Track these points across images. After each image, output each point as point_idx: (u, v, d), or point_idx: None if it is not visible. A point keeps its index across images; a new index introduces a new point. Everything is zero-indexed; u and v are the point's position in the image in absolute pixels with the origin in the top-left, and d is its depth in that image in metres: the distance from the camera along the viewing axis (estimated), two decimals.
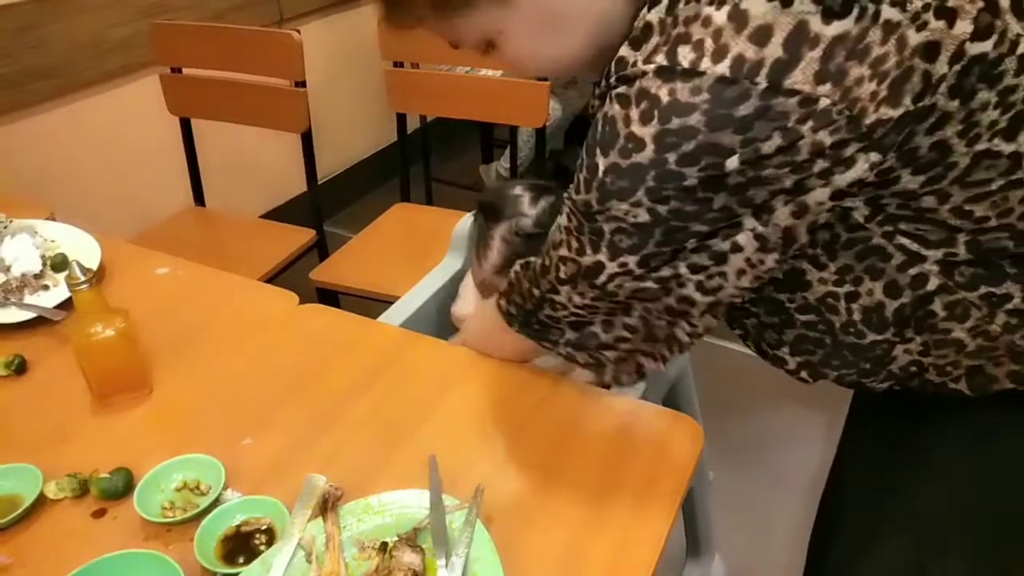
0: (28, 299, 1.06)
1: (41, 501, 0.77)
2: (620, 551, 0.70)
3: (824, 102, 0.51)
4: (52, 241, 1.16)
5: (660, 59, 0.54)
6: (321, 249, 1.95)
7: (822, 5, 0.50)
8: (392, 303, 1.12)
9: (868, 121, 0.51)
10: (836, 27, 0.50)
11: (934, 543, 0.75)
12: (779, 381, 0.80)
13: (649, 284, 0.64)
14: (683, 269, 0.62)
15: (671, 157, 0.54)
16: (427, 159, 2.71)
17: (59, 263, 1.11)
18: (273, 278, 1.79)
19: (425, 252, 1.15)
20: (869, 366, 0.68)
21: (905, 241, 0.60)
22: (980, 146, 0.54)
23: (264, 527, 0.72)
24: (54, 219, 1.25)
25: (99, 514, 0.76)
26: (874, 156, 0.53)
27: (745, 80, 0.51)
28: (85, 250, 1.13)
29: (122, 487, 0.77)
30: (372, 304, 1.61)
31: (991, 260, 0.60)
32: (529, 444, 0.82)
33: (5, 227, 1.16)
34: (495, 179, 3.04)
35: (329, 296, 1.80)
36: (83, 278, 0.85)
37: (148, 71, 2.06)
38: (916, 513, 0.76)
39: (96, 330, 0.88)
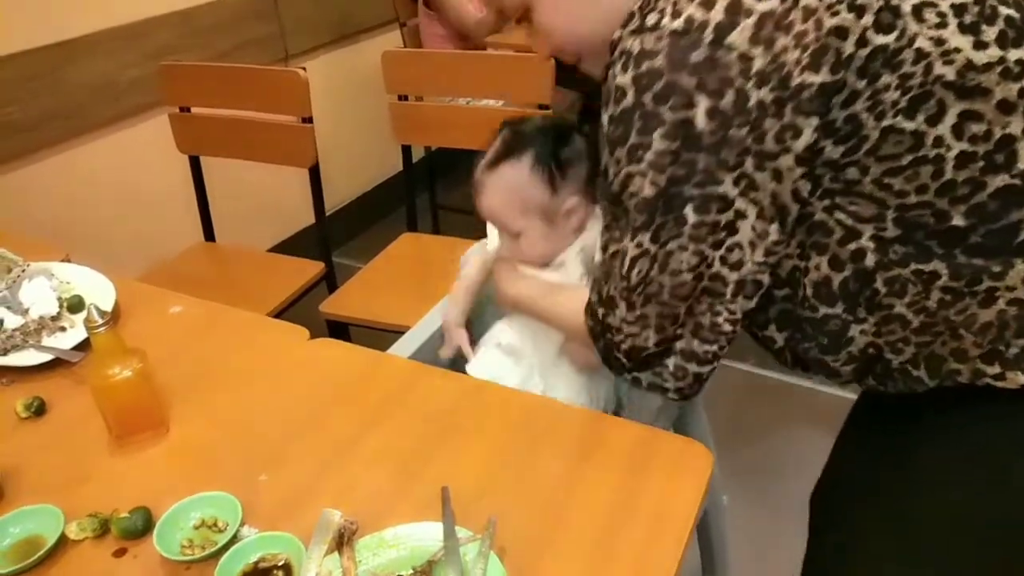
0: (46, 341, 1.08)
1: (63, 542, 0.78)
2: None
3: (758, 62, 0.61)
4: (68, 283, 1.19)
5: (633, 25, 0.67)
6: (330, 281, 1.98)
7: None
8: (402, 333, 1.13)
9: (794, 83, 0.61)
10: (765, 4, 0.62)
11: (919, 548, 0.78)
12: (790, 403, 0.82)
13: (673, 264, 0.69)
14: (706, 249, 0.68)
15: (647, 97, 0.65)
16: (432, 188, 2.74)
17: (75, 305, 1.14)
18: (283, 311, 1.81)
19: (432, 281, 1.18)
20: (827, 341, 0.74)
21: (842, 216, 0.68)
22: (886, 122, 0.63)
23: (281, 563, 0.73)
24: (69, 261, 1.27)
25: (120, 553, 0.77)
26: (814, 121, 0.62)
27: (695, 32, 0.62)
28: (100, 291, 1.16)
29: (142, 526, 0.78)
30: (382, 335, 1.63)
31: (918, 239, 0.67)
32: (541, 473, 0.83)
33: (23, 271, 1.18)
34: None
35: (339, 328, 1.82)
36: (100, 320, 0.87)
37: (157, 111, 2.10)
38: (901, 518, 0.79)
39: (114, 371, 0.89)
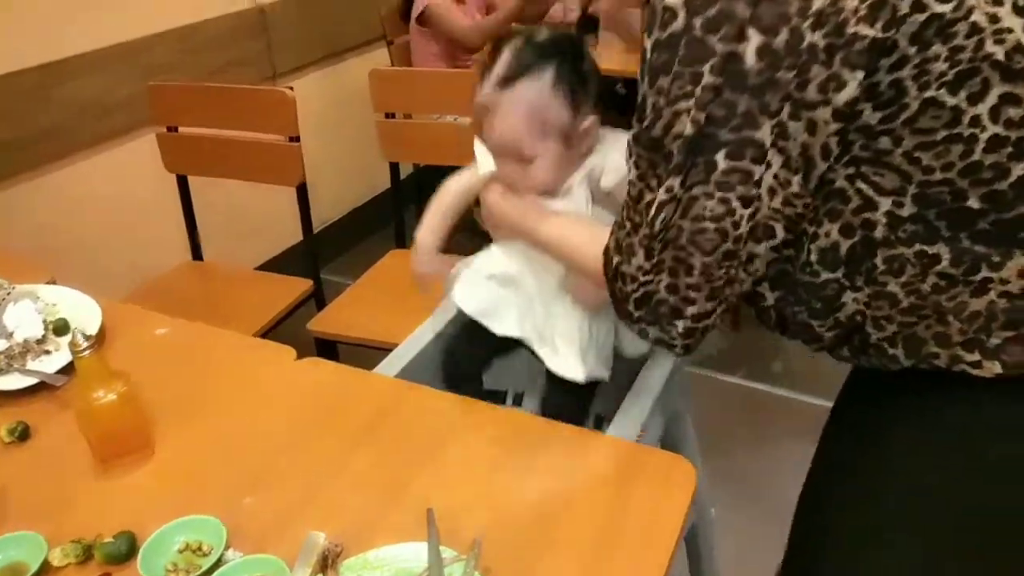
0: (30, 364, 1.08)
1: (46, 569, 0.78)
2: None
3: (817, 2, 0.59)
4: (53, 305, 1.19)
5: None
6: (318, 298, 1.98)
7: None
8: (390, 350, 1.13)
9: (849, 31, 0.59)
10: None
11: (895, 529, 0.78)
12: (779, 415, 0.82)
13: (696, 210, 0.67)
14: (732, 198, 0.66)
15: (697, 22, 0.62)
16: (420, 204, 2.74)
17: (61, 327, 1.14)
18: (272, 329, 1.81)
19: (420, 298, 1.18)
20: (820, 305, 0.73)
21: (863, 186, 0.67)
22: (928, 93, 0.62)
23: None
24: (55, 283, 1.27)
25: None
26: (859, 75, 0.60)
27: None
28: (86, 313, 1.16)
29: (126, 551, 0.78)
30: (370, 352, 1.63)
31: (929, 218, 0.66)
32: (526, 491, 0.83)
33: (8, 293, 1.18)
34: None
35: (327, 346, 1.82)
36: (85, 344, 0.87)
37: (145, 130, 2.11)
38: (876, 497, 0.79)
39: (98, 395, 0.89)
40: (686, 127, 0.65)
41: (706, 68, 0.62)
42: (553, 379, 1.01)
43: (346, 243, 2.95)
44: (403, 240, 2.20)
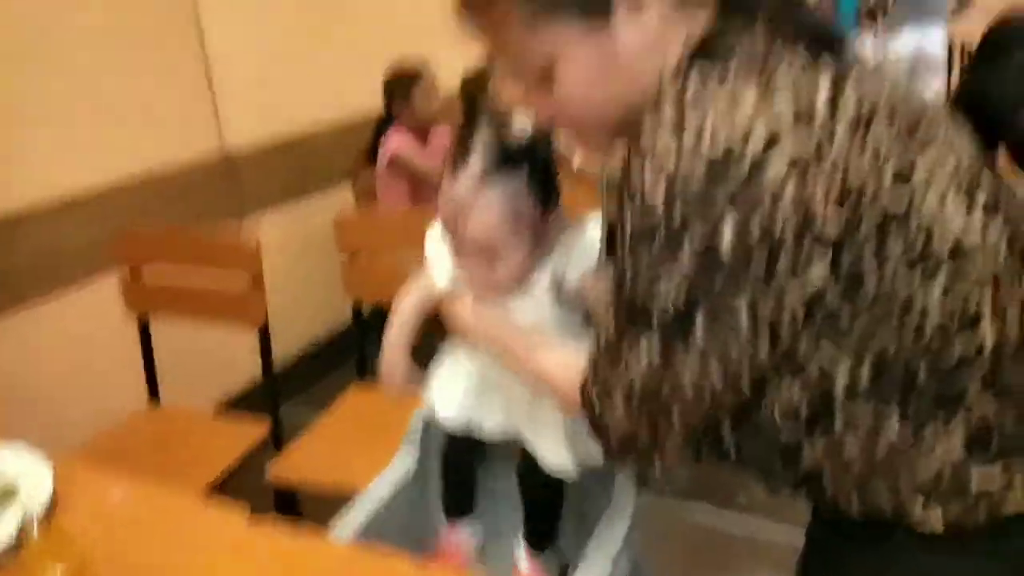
0: None
1: None
2: None
3: (788, 196, 0.64)
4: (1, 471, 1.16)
5: (669, 127, 0.67)
6: (277, 440, 1.95)
7: (795, 110, 0.65)
8: (352, 496, 1.12)
9: (817, 222, 0.64)
10: (802, 133, 0.65)
11: None
12: (743, 548, 0.84)
13: (678, 367, 0.71)
14: (710, 360, 0.70)
15: (677, 208, 0.66)
16: (382, 334, 2.76)
17: (8, 493, 1.11)
18: (231, 477, 1.78)
19: (382, 436, 1.17)
20: (777, 452, 0.78)
21: (824, 354, 0.71)
22: (885, 280, 0.67)
23: None
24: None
25: None
26: (825, 260, 0.66)
27: (733, 160, 0.64)
28: (36, 478, 1.13)
29: None
30: (331, 500, 1.60)
31: (883, 384, 0.71)
32: None
33: None
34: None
35: (286, 497, 1.79)
36: (33, 518, 0.86)
37: (107, 273, 2.12)
38: None
39: (45, 573, 0.87)
40: (666, 297, 0.69)
41: (684, 247, 0.67)
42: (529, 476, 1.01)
43: (308, 376, 2.94)
44: (365, 373, 2.20)
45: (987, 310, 0.71)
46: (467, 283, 0.99)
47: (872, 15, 5.07)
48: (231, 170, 2.59)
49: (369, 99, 2.90)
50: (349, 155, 2.92)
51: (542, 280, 0.99)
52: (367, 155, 2.88)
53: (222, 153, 2.57)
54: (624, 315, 0.74)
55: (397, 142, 2.75)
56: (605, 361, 0.77)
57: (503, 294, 0.98)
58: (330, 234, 2.09)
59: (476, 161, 0.93)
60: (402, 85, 2.74)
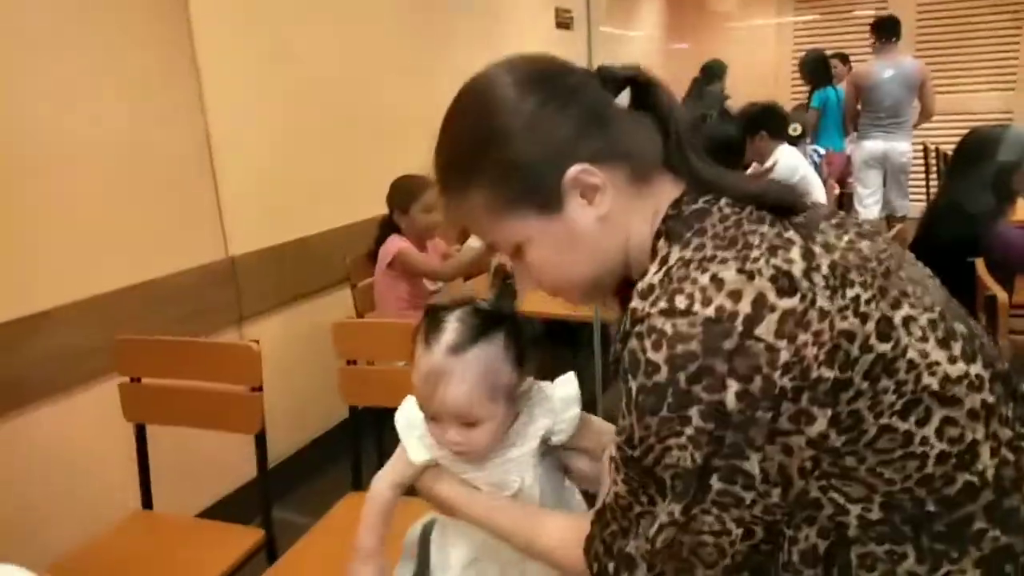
0: None
1: None
2: None
3: (783, 354, 0.68)
4: None
5: (662, 304, 0.73)
6: (270, 549, 1.92)
7: (776, 284, 0.70)
8: None
9: (813, 376, 0.68)
10: (787, 302, 0.69)
11: None
12: None
13: (696, 526, 0.73)
14: (726, 516, 0.73)
15: (681, 377, 0.70)
16: (380, 438, 2.75)
17: None
18: None
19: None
20: None
21: (835, 495, 0.74)
22: (883, 420, 0.71)
23: None
24: None
25: None
26: (828, 411, 0.69)
27: (727, 322, 0.69)
28: None
29: None
30: None
31: (895, 521, 0.74)
32: None
33: None
34: None
35: None
36: None
37: (106, 380, 2.14)
38: None
39: None
40: (680, 461, 0.72)
41: (693, 412, 0.70)
42: None
43: (301, 479, 2.90)
44: (360, 482, 2.18)
45: (981, 436, 0.74)
46: (444, 447, 1.01)
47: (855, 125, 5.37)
48: (233, 275, 2.64)
49: (371, 206, 2.99)
50: (349, 258, 2.99)
51: (530, 441, 1.01)
52: (368, 258, 2.95)
53: (226, 259, 2.63)
54: (636, 476, 0.77)
55: (398, 244, 2.83)
56: (612, 514, 0.81)
57: (481, 457, 1.00)
58: (328, 339, 2.12)
59: (450, 332, 0.95)
60: (402, 198, 2.84)
